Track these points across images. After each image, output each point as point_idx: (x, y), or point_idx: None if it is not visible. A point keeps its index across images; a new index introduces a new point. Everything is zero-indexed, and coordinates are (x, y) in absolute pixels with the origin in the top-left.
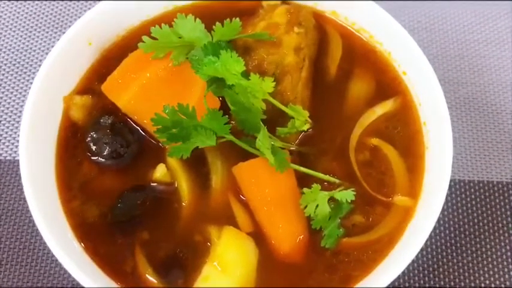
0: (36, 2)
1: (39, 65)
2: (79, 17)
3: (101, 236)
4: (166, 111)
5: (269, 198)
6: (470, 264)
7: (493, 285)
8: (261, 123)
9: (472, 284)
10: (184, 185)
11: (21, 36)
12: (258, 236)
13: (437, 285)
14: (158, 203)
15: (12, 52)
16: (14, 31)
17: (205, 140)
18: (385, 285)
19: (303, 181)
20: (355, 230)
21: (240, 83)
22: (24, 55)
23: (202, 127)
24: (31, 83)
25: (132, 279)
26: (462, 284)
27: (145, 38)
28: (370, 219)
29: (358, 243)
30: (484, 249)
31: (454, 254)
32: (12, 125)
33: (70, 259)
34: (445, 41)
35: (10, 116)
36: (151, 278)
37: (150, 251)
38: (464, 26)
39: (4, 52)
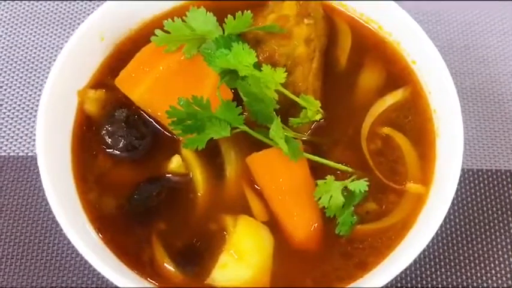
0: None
1: (51, 62)
2: (89, 14)
3: (118, 227)
4: (181, 103)
5: (283, 187)
6: (481, 252)
7: (503, 272)
8: (274, 113)
9: (483, 271)
10: (199, 176)
11: (33, 33)
12: (273, 225)
13: (449, 273)
14: (174, 193)
15: (24, 50)
16: (25, 29)
17: (220, 131)
18: (399, 271)
19: (316, 171)
20: (368, 217)
21: (253, 74)
22: (35, 53)
23: (217, 118)
24: (43, 80)
25: (150, 268)
26: (473, 271)
27: (157, 31)
28: (383, 206)
29: (372, 230)
30: (493, 237)
31: (465, 242)
32: (25, 121)
33: (89, 249)
34: (450, 33)
35: (22, 113)
36: (169, 267)
37: (167, 241)
38: (470, 17)
39: (16, 51)
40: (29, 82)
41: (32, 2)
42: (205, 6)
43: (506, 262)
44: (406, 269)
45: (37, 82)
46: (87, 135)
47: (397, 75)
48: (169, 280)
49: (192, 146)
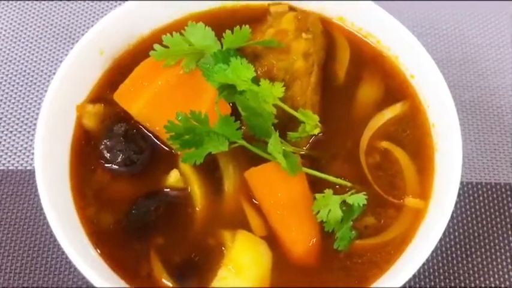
0: (46, 13)
1: (51, 76)
2: (88, 28)
3: (117, 241)
4: (179, 118)
5: (282, 202)
6: (480, 266)
7: (502, 286)
8: (272, 128)
9: (483, 285)
10: (197, 190)
11: (32, 47)
12: (272, 240)
13: (448, 287)
14: (172, 208)
15: (23, 64)
16: (25, 42)
17: (218, 145)
18: (399, 286)
19: (315, 186)
20: (367, 232)
21: (251, 88)
22: (35, 66)
23: (215, 133)
24: (43, 94)
25: (148, 283)
26: (472, 285)
27: (156, 46)
28: (382, 221)
29: (371, 244)
30: (493, 250)
31: (464, 255)
32: (24, 135)
33: (87, 264)
34: (448, 46)
35: (21, 127)
36: (167, 282)
37: (165, 256)
38: (468, 31)
39: (15, 64)
40: (28, 96)
41: (31, 15)
42: (204, 21)
43: (506, 276)
44: (405, 284)
45: (36, 96)
46: (85, 150)
47: (395, 89)
48: None
49: (190, 161)
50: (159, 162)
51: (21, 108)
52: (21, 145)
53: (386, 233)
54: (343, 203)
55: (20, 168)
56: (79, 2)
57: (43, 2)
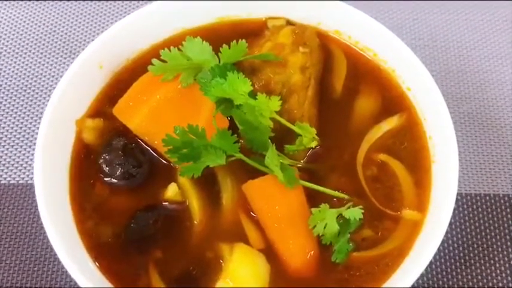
0: (45, 28)
1: (50, 90)
2: (88, 43)
3: (115, 255)
4: (177, 132)
5: (279, 214)
6: (480, 277)
7: None
8: (269, 141)
9: None
10: (195, 204)
11: (31, 62)
12: (269, 253)
13: None
14: (170, 221)
15: (24, 79)
16: (25, 57)
17: (216, 159)
18: None
19: (312, 199)
20: (364, 244)
21: (248, 102)
22: (35, 81)
23: (212, 146)
24: (43, 108)
25: None
26: None
27: (154, 61)
28: (379, 233)
29: (369, 257)
30: (492, 262)
31: (463, 266)
32: (25, 149)
33: (86, 278)
34: (446, 58)
35: (22, 141)
36: None
37: (163, 269)
38: (466, 43)
39: (16, 79)
40: (29, 110)
41: (31, 30)
42: (202, 35)
43: (505, 287)
44: None
45: (37, 110)
46: (84, 164)
47: (392, 101)
48: None
49: (188, 174)
50: (158, 176)
51: (21, 123)
52: (23, 159)
53: (384, 245)
54: (340, 216)
55: (20, 182)
56: (80, 13)
57: (43, 14)
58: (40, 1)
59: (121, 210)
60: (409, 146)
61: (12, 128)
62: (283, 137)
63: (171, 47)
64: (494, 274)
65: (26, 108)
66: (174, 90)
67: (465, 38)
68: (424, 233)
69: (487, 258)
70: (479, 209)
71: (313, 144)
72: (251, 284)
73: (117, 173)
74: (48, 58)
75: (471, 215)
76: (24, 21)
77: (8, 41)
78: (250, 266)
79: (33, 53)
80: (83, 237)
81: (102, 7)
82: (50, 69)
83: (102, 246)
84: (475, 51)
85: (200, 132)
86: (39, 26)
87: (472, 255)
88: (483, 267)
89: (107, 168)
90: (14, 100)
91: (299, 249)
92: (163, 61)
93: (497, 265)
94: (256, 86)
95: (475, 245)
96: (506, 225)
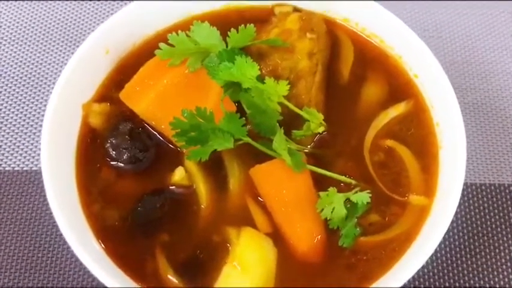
0: (51, 16)
1: (55, 78)
2: (92, 30)
3: (122, 239)
4: (185, 114)
5: (287, 199)
6: (484, 266)
7: (507, 286)
8: (277, 125)
9: (487, 285)
10: (202, 188)
11: (36, 50)
12: (276, 237)
13: (453, 287)
14: (177, 205)
15: (29, 66)
16: (30, 45)
17: (223, 142)
18: (403, 282)
19: (319, 184)
20: (372, 229)
21: (256, 86)
22: (40, 68)
23: (220, 130)
24: (48, 95)
25: (154, 280)
26: (477, 285)
27: (162, 45)
28: (387, 218)
29: (376, 241)
30: (497, 251)
31: (468, 255)
32: (29, 136)
33: (93, 261)
34: (452, 48)
35: (27, 128)
36: (172, 279)
37: (170, 253)
38: (471, 34)
39: (20, 66)
40: (33, 97)
41: (36, 18)
42: (209, 22)
43: (510, 276)
44: (410, 284)
45: (41, 97)
46: (91, 148)
47: (399, 88)
48: None
49: (195, 158)
50: (165, 160)
51: (26, 110)
52: (27, 146)
53: (391, 230)
54: (347, 200)
55: (25, 169)
56: (84, 2)
57: (48, 3)
58: None
59: (128, 194)
60: (416, 132)
61: (17, 115)
62: (290, 123)
63: (179, 31)
64: (499, 263)
65: (31, 95)
66: (181, 75)
67: (470, 29)
68: (432, 218)
69: (492, 247)
70: (484, 199)
71: (321, 129)
72: (258, 267)
73: (124, 157)
74: (53, 46)
75: (476, 205)
76: (29, 9)
77: (12, 29)
78: (258, 249)
79: (38, 41)
80: (90, 221)
81: None
82: (55, 57)
83: (109, 230)
84: (480, 42)
85: (208, 115)
86: (44, 14)
87: (477, 244)
88: (488, 256)
89: (114, 153)
90: (19, 88)
91: (306, 233)
92: (171, 45)
93: (503, 254)
94: (263, 72)
95: (480, 235)
96: (511, 215)
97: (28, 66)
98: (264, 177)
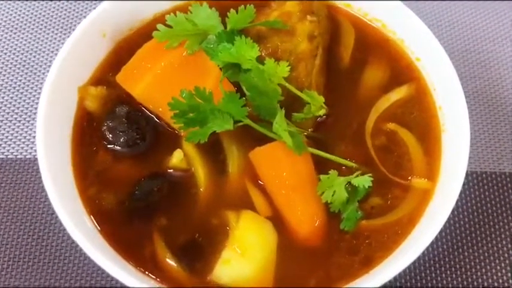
0: (43, 2)
1: (49, 66)
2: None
3: (119, 222)
4: (184, 95)
5: (287, 181)
6: (486, 254)
7: (509, 274)
8: (278, 106)
9: (488, 274)
10: (200, 171)
11: (32, 37)
12: (277, 220)
13: (454, 275)
14: (175, 189)
15: (23, 54)
16: (23, 33)
17: (223, 123)
18: (406, 265)
19: (320, 167)
20: (374, 213)
21: (256, 66)
22: (34, 56)
23: (219, 111)
24: (42, 83)
25: (152, 263)
26: (478, 273)
27: (160, 26)
28: (389, 201)
29: (378, 225)
30: (499, 239)
31: (470, 244)
32: (23, 124)
33: (90, 244)
34: (452, 37)
35: (21, 116)
36: (171, 262)
37: (168, 236)
38: (471, 23)
39: (15, 54)
40: (27, 85)
41: (31, 4)
42: (208, 3)
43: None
44: (407, 269)
45: (36, 85)
46: (87, 131)
47: (401, 72)
48: (171, 275)
49: (194, 140)
50: (162, 144)
51: (20, 98)
52: (21, 134)
53: (393, 213)
54: (349, 184)
55: (19, 157)
56: None
57: None
58: None
59: (125, 178)
60: (418, 115)
61: (11, 103)
62: (290, 106)
63: (177, 12)
64: (501, 252)
65: (25, 82)
66: (179, 57)
67: (470, 19)
68: (435, 201)
69: (493, 235)
70: (485, 187)
71: (321, 112)
72: (258, 251)
73: (121, 140)
74: (47, 34)
75: (477, 193)
76: None
77: (6, 17)
78: (257, 233)
79: (33, 29)
80: (87, 205)
81: None
82: (50, 45)
83: (106, 214)
84: (480, 30)
85: (207, 96)
86: (39, 1)
87: (478, 232)
88: (489, 245)
89: (110, 135)
90: (13, 75)
91: (307, 217)
92: (169, 26)
93: (504, 242)
94: (263, 54)
95: (481, 223)
96: None
97: (22, 54)
98: (264, 159)
